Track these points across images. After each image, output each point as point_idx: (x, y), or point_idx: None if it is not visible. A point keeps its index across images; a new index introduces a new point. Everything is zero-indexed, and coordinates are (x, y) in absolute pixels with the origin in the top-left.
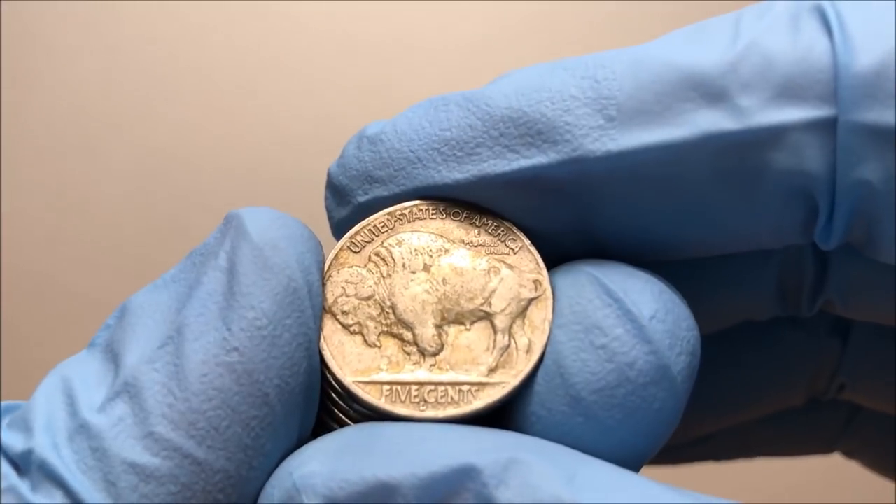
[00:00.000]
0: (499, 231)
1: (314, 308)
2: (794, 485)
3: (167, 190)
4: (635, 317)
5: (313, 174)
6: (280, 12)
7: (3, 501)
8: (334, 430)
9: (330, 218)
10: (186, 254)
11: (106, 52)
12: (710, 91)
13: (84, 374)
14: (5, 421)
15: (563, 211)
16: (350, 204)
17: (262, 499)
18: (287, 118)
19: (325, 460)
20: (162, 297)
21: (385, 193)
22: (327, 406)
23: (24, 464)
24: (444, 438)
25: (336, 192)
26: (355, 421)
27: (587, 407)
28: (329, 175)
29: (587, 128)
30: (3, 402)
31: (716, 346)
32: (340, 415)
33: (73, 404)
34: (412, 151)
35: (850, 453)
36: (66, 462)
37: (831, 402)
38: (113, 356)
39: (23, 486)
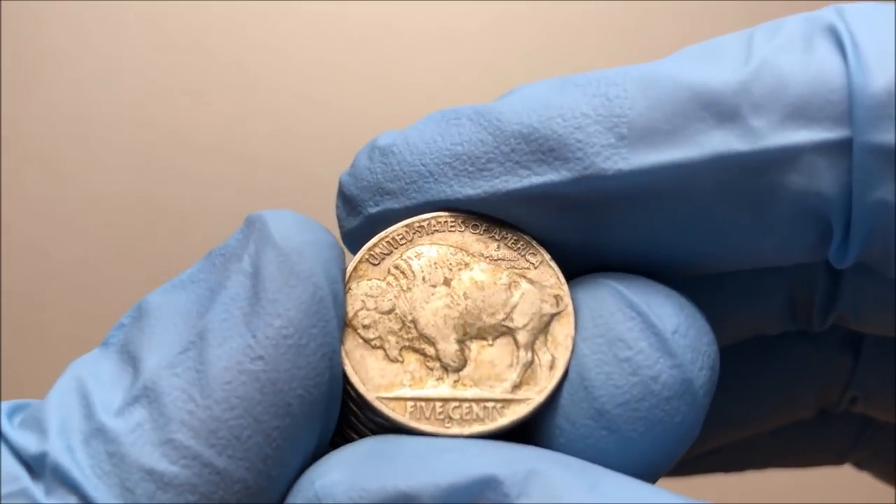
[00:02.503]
0: (518, 245)
1: (338, 318)
2: (795, 485)
3: (167, 190)
4: (659, 330)
5: (313, 173)
6: (280, 12)
7: None
8: (354, 440)
9: (340, 227)
10: (194, 251)
11: (106, 52)
12: (722, 111)
13: (99, 374)
14: (16, 420)
15: (573, 226)
16: (360, 215)
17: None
18: (287, 118)
19: (346, 470)
20: (181, 298)
21: (396, 206)
22: (347, 417)
23: (37, 466)
24: (464, 450)
25: (347, 201)
26: (375, 433)
27: (611, 420)
28: (340, 184)
29: (598, 146)
30: (13, 401)
31: (726, 359)
32: (361, 426)
33: (89, 406)
34: (423, 165)
35: (861, 464)
36: (81, 466)
37: (843, 414)
38: (130, 358)
39: (36, 489)
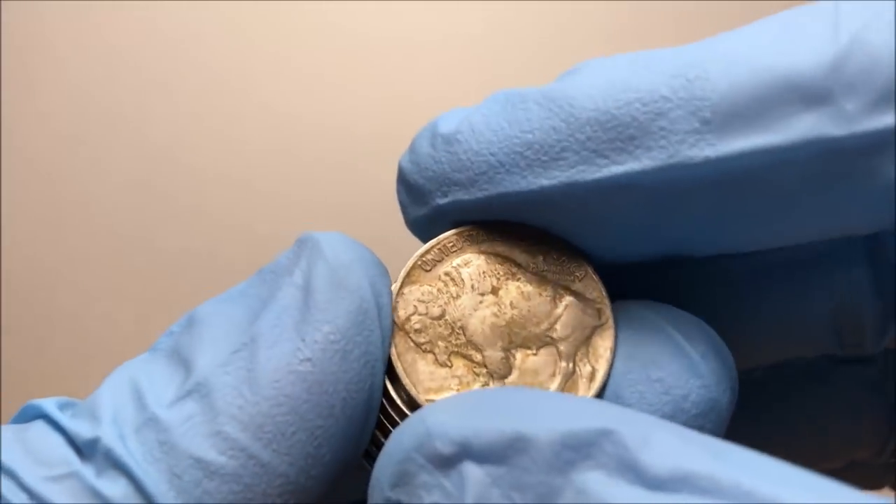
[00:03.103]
0: (563, 257)
1: (382, 329)
2: None
3: (167, 190)
4: (689, 354)
5: (314, 174)
6: (280, 12)
7: (66, 485)
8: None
9: (405, 213)
10: (194, 251)
11: (106, 52)
12: (812, 93)
13: (151, 374)
14: (67, 412)
15: (648, 216)
16: (428, 205)
17: (391, 445)
18: (287, 118)
19: (458, 411)
20: (232, 309)
21: (466, 197)
22: (384, 425)
23: (89, 451)
24: (582, 404)
25: (411, 189)
26: None
27: None
28: (402, 171)
29: (682, 133)
30: (60, 398)
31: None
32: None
33: (141, 400)
34: (492, 155)
35: None
36: (132, 452)
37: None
38: (181, 360)
39: (87, 471)
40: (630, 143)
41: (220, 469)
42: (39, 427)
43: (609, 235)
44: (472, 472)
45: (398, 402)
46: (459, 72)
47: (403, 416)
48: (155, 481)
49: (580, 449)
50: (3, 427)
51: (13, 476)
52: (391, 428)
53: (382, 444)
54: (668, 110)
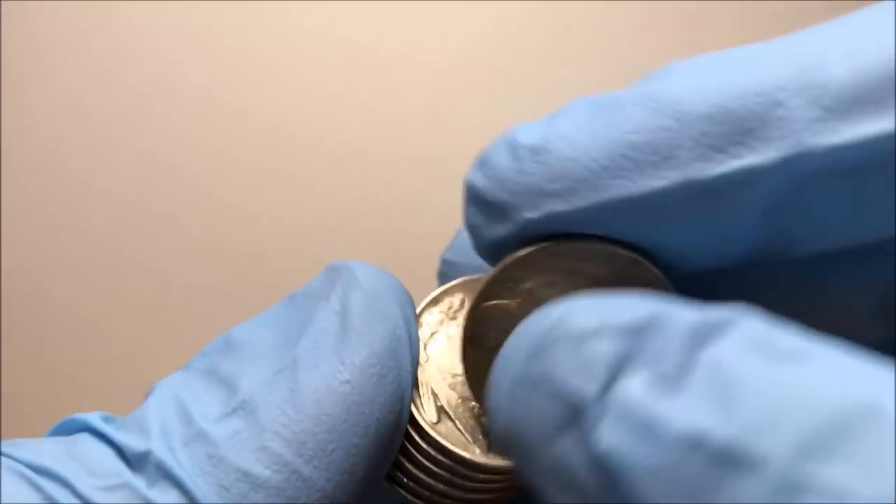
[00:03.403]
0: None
1: (412, 355)
2: None
3: (167, 190)
4: None
5: (314, 173)
6: (280, 12)
7: (119, 494)
8: (407, 469)
9: (477, 235)
10: (194, 251)
11: (106, 52)
12: None
13: (193, 392)
14: (112, 425)
15: (757, 212)
16: (513, 222)
17: (525, 325)
18: (288, 118)
19: (595, 301)
20: (268, 332)
21: (565, 209)
22: (404, 446)
23: (139, 463)
24: (712, 304)
25: (490, 207)
26: (437, 462)
27: None
28: (475, 189)
29: (805, 121)
30: (102, 412)
31: None
32: (417, 455)
33: (188, 415)
34: (593, 160)
35: None
36: (182, 465)
37: None
38: (221, 380)
39: (138, 482)
40: (749, 135)
41: (265, 483)
42: (86, 439)
43: (714, 238)
44: (608, 346)
45: (421, 422)
46: (459, 76)
47: (424, 436)
48: (205, 493)
49: (714, 328)
50: (49, 439)
51: (67, 485)
52: (411, 449)
53: (402, 465)
54: (786, 99)
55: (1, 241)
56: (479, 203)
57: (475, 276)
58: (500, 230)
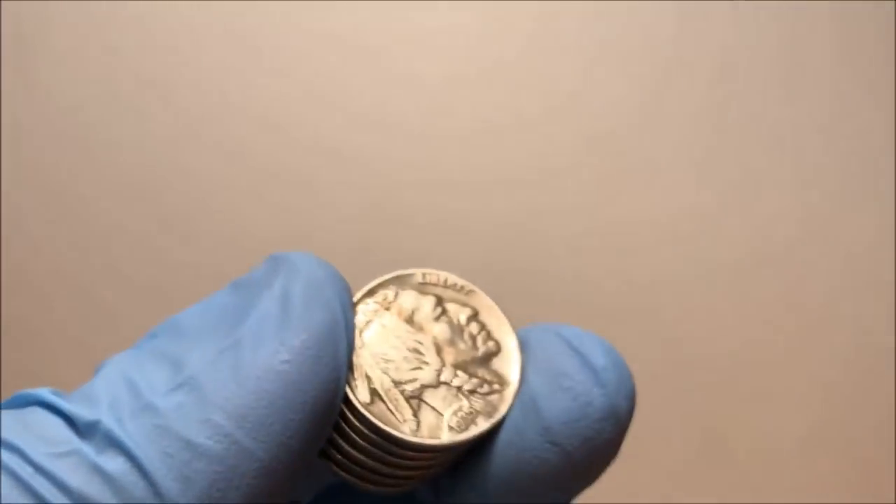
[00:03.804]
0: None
1: (348, 340)
2: (796, 485)
3: (167, 190)
4: (593, 366)
5: (314, 173)
6: (280, 13)
7: (69, 461)
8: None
9: None
10: (195, 251)
11: (106, 52)
12: None
13: (142, 369)
14: (62, 398)
15: None
16: None
17: None
18: (288, 118)
19: None
20: (212, 316)
21: None
22: (339, 425)
23: (87, 431)
24: None
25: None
26: (369, 440)
27: (555, 435)
28: None
29: None
30: (49, 388)
31: None
32: (350, 432)
33: (136, 390)
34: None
35: None
36: (130, 434)
37: None
38: (168, 359)
39: (87, 449)
40: None
41: (207, 451)
42: (37, 411)
43: None
44: None
45: (355, 402)
46: (461, 73)
47: (357, 415)
48: (151, 459)
49: None
50: (2, 411)
51: (19, 452)
52: (345, 427)
53: (336, 442)
54: None
55: (1, 242)
56: None
57: (407, 271)
58: None
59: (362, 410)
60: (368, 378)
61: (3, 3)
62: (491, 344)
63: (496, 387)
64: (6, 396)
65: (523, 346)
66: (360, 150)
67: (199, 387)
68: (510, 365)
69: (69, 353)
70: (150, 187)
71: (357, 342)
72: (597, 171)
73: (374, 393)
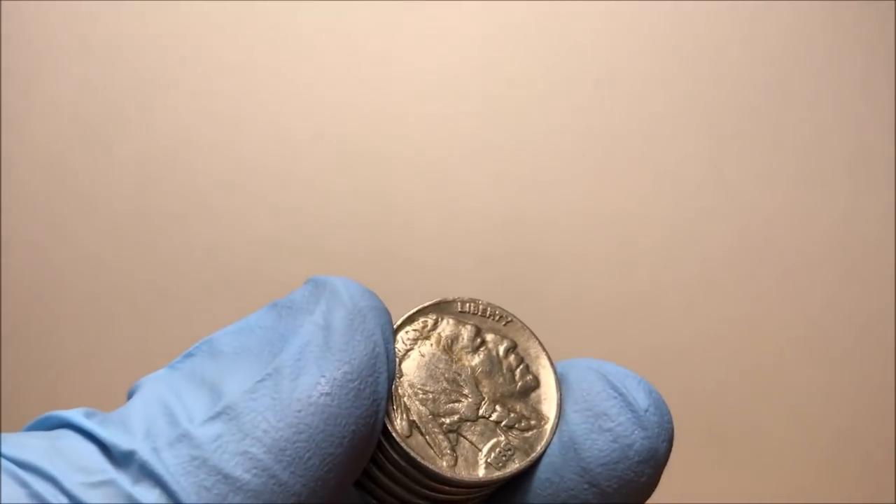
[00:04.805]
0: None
1: (389, 372)
2: (796, 485)
3: (168, 190)
4: (635, 408)
5: (313, 173)
6: (284, 13)
7: (104, 491)
8: (376, 476)
9: None
10: (195, 250)
11: (106, 52)
12: None
13: (178, 394)
14: (94, 421)
15: None
16: None
17: None
18: (288, 119)
19: None
20: (250, 339)
21: None
22: (377, 457)
23: (123, 460)
24: None
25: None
26: (406, 472)
27: (593, 476)
28: None
29: None
30: (82, 409)
31: None
32: (388, 464)
33: (173, 417)
34: None
35: None
36: (166, 465)
37: None
38: (205, 384)
39: (123, 479)
40: None
41: (244, 485)
42: (70, 435)
43: None
44: None
45: (393, 434)
46: (461, 73)
47: (396, 447)
48: (187, 493)
49: None
50: (32, 433)
51: (53, 481)
52: (383, 459)
53: (372, 474)
54: None
55: (1, 241)
56: None
57: (448, 298)
58: None
59: (401, 443)
60: (407, 409)
61: (2, 3)
62: (529, 378)
63: (533, 423)
64: (6, 396)
65: (562, 382)
66: (361, 149)
67: (238, 417)
68: (548, 401)
69: (70, 353)
70: (150, 187)
71: (396, 371)
72: (597, 171)
73: (412, 425)
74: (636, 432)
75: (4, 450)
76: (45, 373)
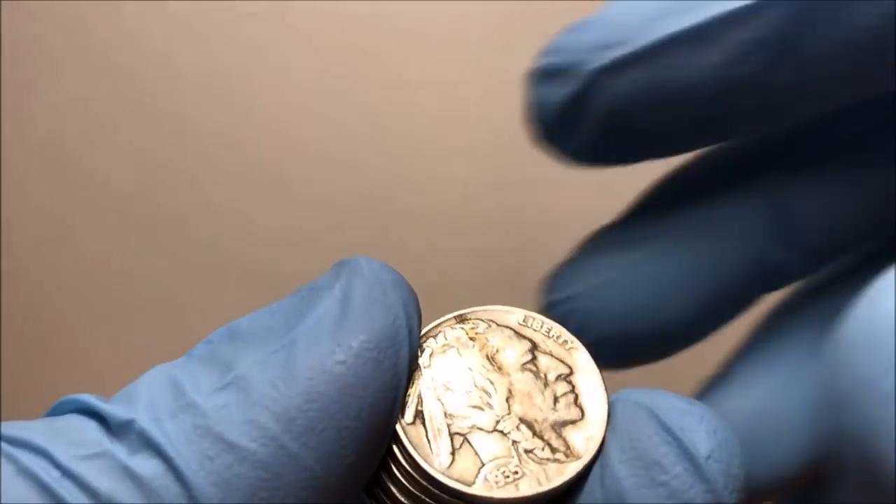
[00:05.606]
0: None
1: (411, 348)
2: None
3: (168, 190)
4: (693, 456)
5: (313, 173)
6: (280, 13)
7: (98, 463)
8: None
9: (541, 109)
10: (194, 250)
11: (106, 51)
12: None
13: (189, 371)
14: (104, 400)
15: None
16: (575, 78)
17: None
18: (288, 118)
19: None
20: (271, 321)
21: (626, 52)
22: (385, 462)
23: (121, 431)
24: None
25: (553, 74)
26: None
27: None
28: (538, 67)
29: None
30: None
31: None
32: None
33: (179, 389)
34: (643, 13)
35: None
36: (167, 433)
37: None
38: (219, 362)
39: (118, 450)
40: None
41: (250, 455)
42: (73, 416)
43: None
44: None
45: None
46: (465, 81)
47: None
48: (186, 461)
49: None
50: (38, 419)
51: (45, 454)
52: (392, 467)
53: (383, 481)
54: None
55: (1, 241)
56: (540, 75)
57: (510, 308)
58: (562, 92)
59: (399, 430)
60: (420, 399)
61: (2, 3)
62: (574, 410)
63: (559, 456)
64: (6, 397)
65: (610, 418)
66: (360, 150)
67: (246, 387)
68: (589, 440)
69: (70, 354)
70: (151, 188)
71: (423, 360)
72: (597, 171)
73: (418, 415)
74: (696, 486)
75: (4, 431)
76: (45, 373)
